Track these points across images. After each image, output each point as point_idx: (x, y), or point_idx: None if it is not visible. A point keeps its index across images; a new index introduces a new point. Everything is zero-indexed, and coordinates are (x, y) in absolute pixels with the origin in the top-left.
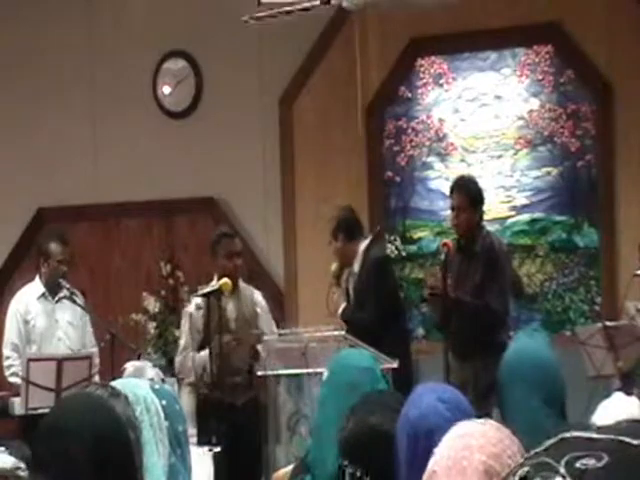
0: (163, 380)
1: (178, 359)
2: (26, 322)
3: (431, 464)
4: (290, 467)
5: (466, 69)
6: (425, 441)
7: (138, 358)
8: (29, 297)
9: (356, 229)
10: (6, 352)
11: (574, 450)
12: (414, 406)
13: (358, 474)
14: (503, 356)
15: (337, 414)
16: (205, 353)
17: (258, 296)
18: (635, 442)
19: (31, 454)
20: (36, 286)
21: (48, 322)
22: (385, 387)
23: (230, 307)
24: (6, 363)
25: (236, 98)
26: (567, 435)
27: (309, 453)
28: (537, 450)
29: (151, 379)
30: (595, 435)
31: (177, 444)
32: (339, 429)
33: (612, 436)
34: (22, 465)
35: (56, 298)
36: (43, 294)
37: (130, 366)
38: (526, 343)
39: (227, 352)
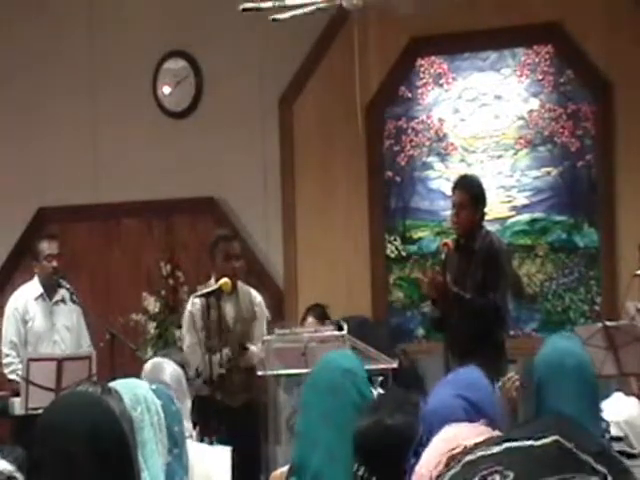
0: (185, 376)
1: (187, 350)
2: (25, 322)
3: (418, 467)
4: (286, 467)
5: (466, 69)
6: (436, 433)
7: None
8: (27, 297)
9: None
10: (5, 350)
11: (482, 470)
12: (435, 397)
13: (374, 478)
14: (540, 355)
15: (318, 416)
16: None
17: (256, 296)
18: (537, 443)
19: (28, 456)
20: (34, 286)
21: (46, 325)
22: (370, 390)
23: (229, 308)
24: (5, 361)
25: (236, 98)
26: (472, 457)
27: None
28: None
29: (162, 382)
30: (499, 448)
31: (174, 444)
32: (347, 432)
33: (518, 443)
34: (10, 468)
35: (53, 300)
36: (41, 295)
37: (149, 363)
38: (565, 343)
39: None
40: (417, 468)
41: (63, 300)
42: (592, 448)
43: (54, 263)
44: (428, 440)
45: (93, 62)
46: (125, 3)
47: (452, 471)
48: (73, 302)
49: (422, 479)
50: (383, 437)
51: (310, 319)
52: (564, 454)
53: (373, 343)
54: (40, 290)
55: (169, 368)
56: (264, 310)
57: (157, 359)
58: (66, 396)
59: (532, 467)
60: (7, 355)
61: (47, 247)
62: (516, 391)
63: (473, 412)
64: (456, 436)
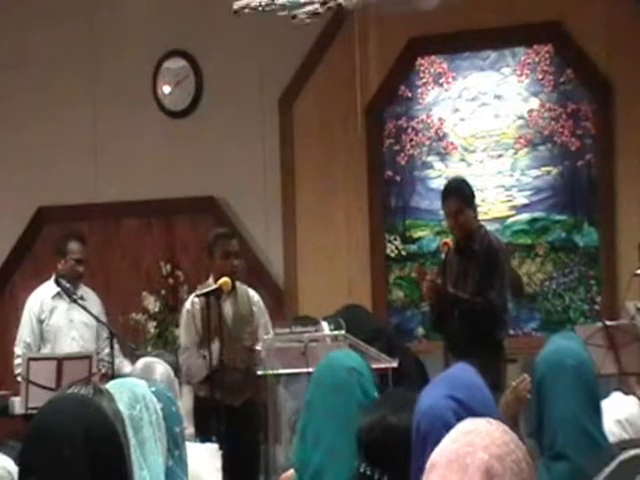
0: (176, 376)
1: (183, 358)
2: (40, 321)
3: (434, 455)
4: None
5: (466, 69)
6: (429, 436)
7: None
8: (44, 296)
9: None
10: (17, 351)
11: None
12: (426, 398)
13: (376, 475)
14: (541, 354)
15: (322, 414)
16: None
17: (254, 295)
18: None
19: (20, 458)
20: (51, 285)
21: (63, 322)
22: (374, 388)
23: (227, 306)
24: (17, 361)
25: (236, 98)
26: (626, 456)
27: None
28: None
29: (152, 381)
30: None
31: (174, 446)
32: (354, 430)
33: None
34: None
35: (72, 297)
36: (58, 293)
37: (140, 363)
38: (566, 343)
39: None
40: (435, 457)
41: (82, 297)
42: None
43: (81, 268)
44: (423, 439)
45: (93, 61)
46: (125, 3)
47: (607, 469)
48: (73, 302)
49: (444, 468)
50: (387, 434)
51: None
52: None
53: (360, 323)
54: (57, 289)
55: (160, 368)
56: (263, 309)
57: (148, 358)
58: (58, 399)
59: None
60: (19, 356)
61: (78, 250)
62: (529, 392)
63: (463, 413)
64: (471, 431)
